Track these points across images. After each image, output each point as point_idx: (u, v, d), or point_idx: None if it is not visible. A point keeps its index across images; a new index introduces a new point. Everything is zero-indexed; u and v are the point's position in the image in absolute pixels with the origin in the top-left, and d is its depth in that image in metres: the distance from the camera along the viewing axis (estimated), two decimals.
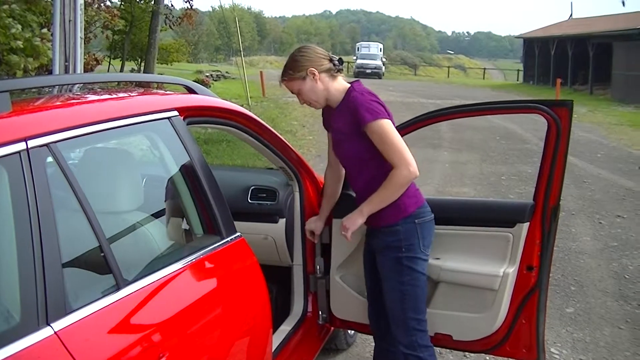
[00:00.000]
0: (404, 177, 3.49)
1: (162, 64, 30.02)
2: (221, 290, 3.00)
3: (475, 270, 3.65)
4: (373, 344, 5.08)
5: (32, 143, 2.17)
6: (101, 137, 2.67)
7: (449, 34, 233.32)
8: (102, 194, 2.88)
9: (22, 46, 10.23)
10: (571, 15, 51.48)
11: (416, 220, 3.63)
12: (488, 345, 3.89)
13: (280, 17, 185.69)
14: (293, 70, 3.64)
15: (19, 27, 10.12)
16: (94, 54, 20.23)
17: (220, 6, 25.90)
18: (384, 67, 55.95)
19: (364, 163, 3.64)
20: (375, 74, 51.66)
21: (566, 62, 39.91)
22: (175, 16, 25.19)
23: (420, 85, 43.96)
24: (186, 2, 24.11)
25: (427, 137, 15.53)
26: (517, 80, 54.07)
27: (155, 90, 3.66)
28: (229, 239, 3.09)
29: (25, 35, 10.28)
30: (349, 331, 5.01)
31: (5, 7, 10.08)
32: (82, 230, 2.35)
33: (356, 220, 3.63)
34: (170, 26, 25.56)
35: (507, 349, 3.88)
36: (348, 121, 3.59)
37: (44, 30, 10.83)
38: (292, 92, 3.71)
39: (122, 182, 3.11)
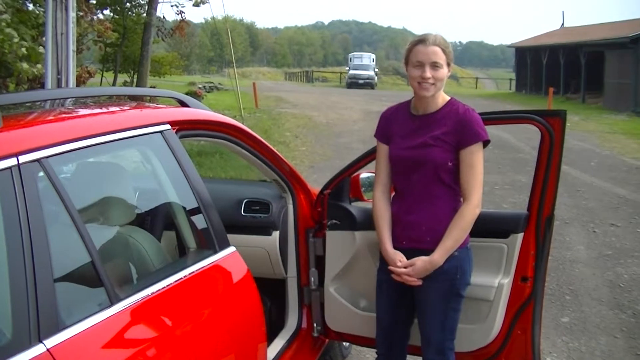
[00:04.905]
0: (474, 215, 3.42)
1: (154, 76, 30.03)
2: (215, 304, 2.99)
3: (471, 281, 3.64)
4: (368, 355, 5.09)
5: (23, 158, 2.16)
6: (93, 152, 2.66)
7: None
8: (94, 208, 2.87)
9: (26, 53, 10.24)
10: (563, 24, 51.67)
11: (468, 246, 3.56)
12: (483, 356, 3.87)
13: (272, 28, 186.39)
14: (447, 55, 3.46)
15: (17, 36, 10.13)
16: (86, 67, 20.21)
17: (213, 17, 25.94)
18: (376, 78, 56.00)
19: (442, 176, 3.46)
20: (368, 85, 51.81)
21: (558, 70, 40.03)
22: (167, 28, 25.19)
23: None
24: (178, 14, 24.13)
25: None
26: (510, 90, 54.20)
27: (147, 104, 3.64)
28: (222, 252, 3.08)
29: (26, 44, 10.29)
30: (344, 343, 4.99)
31: (4, 16, 10.07)
32: (74, 245, 2.33)
33: (427, 270, 3.43)
34: (162, 38, 25.55)
35: None
36: (449, 131, 3.44)
37: (44, 38, 10.85)
38: (433, 65, 3.40)
39: (115, 196, 3.10)
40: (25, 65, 10.32)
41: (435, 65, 3.41)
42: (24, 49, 10.10)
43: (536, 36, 50.54)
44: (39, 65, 10.50)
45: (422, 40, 3.45)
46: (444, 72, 3.45)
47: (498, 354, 3.85)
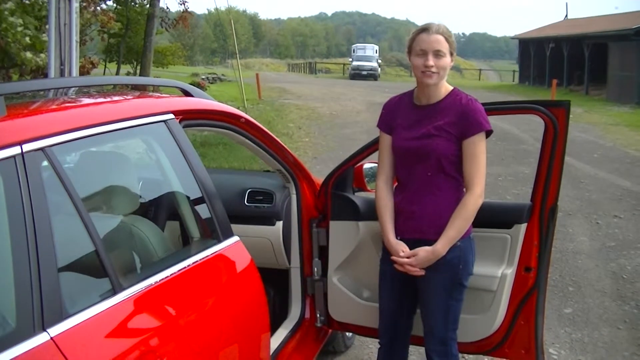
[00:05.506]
0: (477, 205, 3.41)
1: (158, 67, 30.00)
2: (218, 293, 2.99)
3: (474, 272, 3.64)
4: (371, 345, 5.10)
5: (27, 147, 2.15)
6: (97, 141, 2.66)
7: None
8: (98, 197, 2.86)
9: (30, 42, 10.22)
10: (566, 15, 51.49)
11: (471, 236, 3.56)
12: (486, 346, 3.88)
13: (275, 19, 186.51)
14: (450, 44, 3.45)
15: (21, 22, 10.12)
16: (89, 58, 20.19)
17: (216, 8, 25.92)
18: (379, 69, 55.91)
19: (445, 167, 3.45)
20: (371, 76, 51.73)
21: (562, 62, 39.89)
22: (170, 19, 25.16)
23: None
24: (181, 4, 24.09)
25: None
26: (513, 81, 54.04)
27: (151, 93, 3.64)
28: (226, 242, 3.08)
29: (29, 32, 10.28)
30: (347, 333, 5.00)
31: (8, 5, 10.07)
32: (78, 234, 2.33)
33: (430, 260, 3.43)
34: (166, 29, 25.54)
35: (505, 351, 3.87)
36: (452, 121, 3.43)
37: (47, 26, 10.87)
38: (437, 53, 3.38)
39: (118, 185, 3.10)
40: (29, 54, 10.31)
41: (438, 54, 3.41)
42: (27, 38, 10.09)
43: (540, 28, 50.34)
44: (42, 55, 10.49)
45: (425, 28, 3.45)
46: (447, 60, 3.44)
47: (501, 345, 3.85)
